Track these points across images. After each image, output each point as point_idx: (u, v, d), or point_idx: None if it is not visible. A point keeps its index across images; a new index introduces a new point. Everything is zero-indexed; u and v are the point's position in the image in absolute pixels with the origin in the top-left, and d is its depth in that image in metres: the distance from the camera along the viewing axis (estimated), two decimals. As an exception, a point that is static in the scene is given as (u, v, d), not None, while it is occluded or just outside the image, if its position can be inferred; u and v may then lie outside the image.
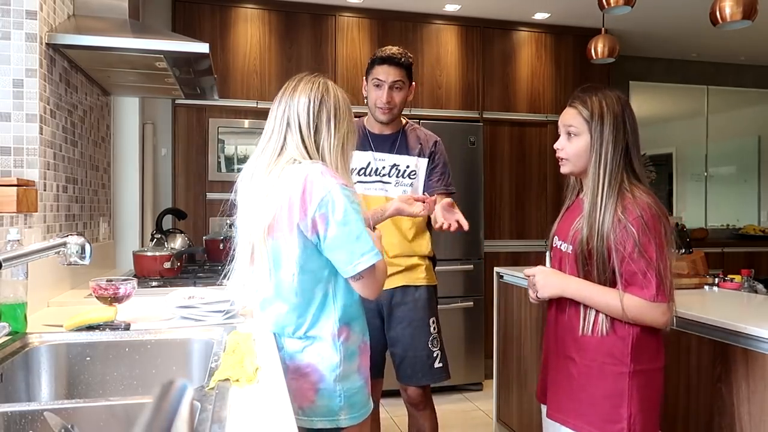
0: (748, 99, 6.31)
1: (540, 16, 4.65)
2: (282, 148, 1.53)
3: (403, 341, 2.37)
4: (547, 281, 1.64)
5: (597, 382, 1.56)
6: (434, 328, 2.39)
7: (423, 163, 2.39)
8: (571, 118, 1.62)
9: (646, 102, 6.07)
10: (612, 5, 2.91)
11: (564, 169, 1.68)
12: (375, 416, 2.48)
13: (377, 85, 2.31)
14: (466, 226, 2.10)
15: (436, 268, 2.53)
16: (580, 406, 1.59)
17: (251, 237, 1.50)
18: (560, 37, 4.86)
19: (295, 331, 1.54)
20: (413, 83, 2.39)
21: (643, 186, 1.57)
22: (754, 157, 6.41)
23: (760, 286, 2.49)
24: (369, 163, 2.38)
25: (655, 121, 6.24)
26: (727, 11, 2.57)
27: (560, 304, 1.66)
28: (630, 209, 1.49)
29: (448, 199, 2.13)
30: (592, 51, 3.68)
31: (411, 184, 2.37)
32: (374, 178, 2.38)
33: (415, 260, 2.39)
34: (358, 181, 2.39)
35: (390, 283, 2.36)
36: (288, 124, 1.53)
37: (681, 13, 4.56)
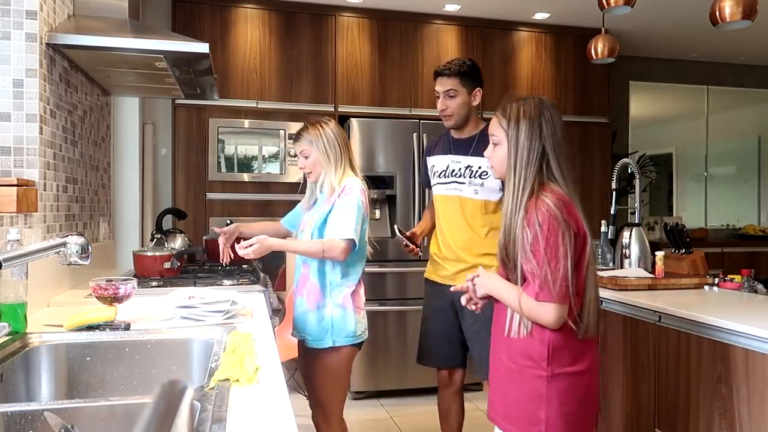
0: (748, 99, 6.31)
1: (540, 16, 4.65)
2: None
3: (472, 337, 2.47)
4: (480, 281, 1.69)
5: (519, 384, 1.59)
6: None
7: None
8: (492, 127, 1.67)
9: (646, 102, 6.07)
10: (612, 5, 2.91)
11: (495, 176, 1.75)
12: (459, 408, 2.65)
13: (437, 97, 2.50)
14: None
15: None
16: (506, 407, 1.63)
17: None
18: (560, 37, 4.86)
19: None
20: (477, 88, 2.48)
21: (561, 188, 1.56)
22: (754, 157, 6.41)
23: (760, 286, 2.49)
24: (448, 166, 2.54)
25: (655, 121, 6.24)
26: (727, 11, 2.57)
27: (497, 306, 1.70)
28: (530, 213, 1.52)
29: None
30: (592, 51, 3.68)
31: (482, 184, 2.45)
32: (450, 179, 2.53)
33: (486, 259, 2.41)
34: (437, 183, 2.57)
35: (459, 279, 2.42)
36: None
37: (681, 13, 4.56)
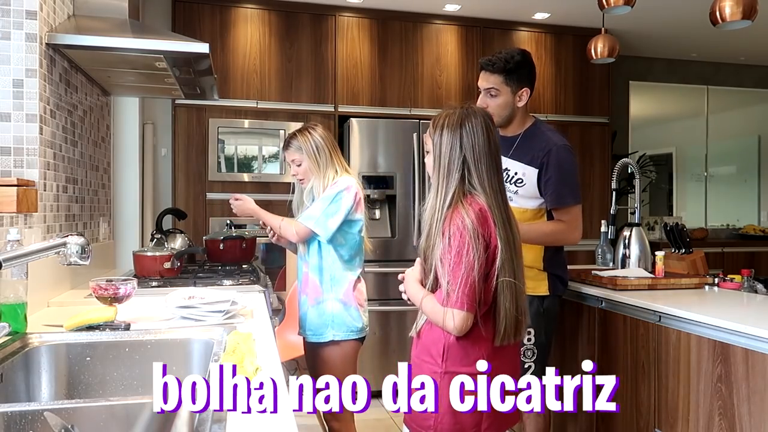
0: (748, 99, 6.31)
1: (540, 16, 4.65)
2: None
3: None
4: (406, 276, 1.73)
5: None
6: (529, 339, 2.30)
7: (531, 172, 2.24)
8: (426, 136, 1.70)
9: (646, 102, 6.07)
10: (612, 5, 2.91)
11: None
12: None
13: (478, 92, 2.31)
14: None
15: None
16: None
17: None
18: (560, 37, 4.86)
19: None
20: (524, 88, 2.25)
21: (483, 198, 1.58)
22: (754, 157, 6.41)
23: (760, 286, 2.49)
24: None
25: (655, 121, 6.24)
26: (727, 11, 2.57)
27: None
28: (447, 221, 1.56)
29: None
30: (592, 51, 3.68)
31: (516, 192, 2.27)
32: None
33: None
34: None
35: None
36: None
37: (681, 13, 4.56)
